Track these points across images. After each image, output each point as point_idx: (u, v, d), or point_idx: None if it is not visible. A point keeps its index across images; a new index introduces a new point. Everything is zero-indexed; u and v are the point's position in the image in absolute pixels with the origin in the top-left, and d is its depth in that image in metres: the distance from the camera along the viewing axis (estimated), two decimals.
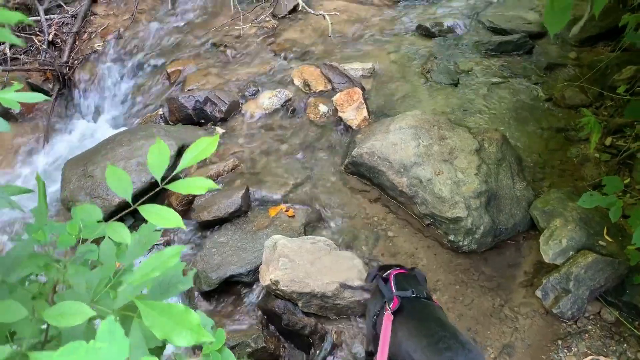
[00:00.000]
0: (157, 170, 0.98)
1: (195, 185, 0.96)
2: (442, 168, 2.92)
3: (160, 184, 0.99)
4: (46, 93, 3.93)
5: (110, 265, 0.97)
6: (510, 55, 4.13)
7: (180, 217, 0.95)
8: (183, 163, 1.00)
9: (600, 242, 2.61)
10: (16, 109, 1.07)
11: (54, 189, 3.25)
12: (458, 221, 2.72)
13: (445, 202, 2.78)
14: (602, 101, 3.61)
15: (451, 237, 2.77)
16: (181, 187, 0.96)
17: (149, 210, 0.93)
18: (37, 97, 1.23)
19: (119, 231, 0.92)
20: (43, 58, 4.01)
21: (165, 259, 0.85)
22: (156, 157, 1.00)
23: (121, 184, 0.96)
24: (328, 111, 3.64)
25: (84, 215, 0.99)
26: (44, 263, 1.04)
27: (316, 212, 3.01)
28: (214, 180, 3.15)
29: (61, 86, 3.95)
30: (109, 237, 0.95)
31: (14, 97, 1.16)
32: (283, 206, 3.01)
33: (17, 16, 0.62)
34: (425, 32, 4.44)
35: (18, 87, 1.20)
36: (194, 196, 3.06)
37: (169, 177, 1.03)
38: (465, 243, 2.73)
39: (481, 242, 2.74)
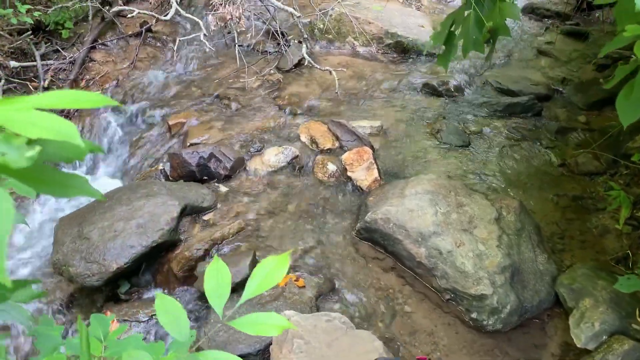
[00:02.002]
0: (217, 301, 0.80)
1: (267, 324, 0.78)
2: (462, 239, 2.77)
3: (221, 317, 0.82)
4: None
5: None
6: (519, 117, 4.08)
7: None
8: (247, 292, 0.82)
9: (634, 326, 2.46)
10: (33, 198, 0.89)
11: (45, 249, 3.02)
12: (483, 299, 2.55)
13: (468, 277, 2.61)
14: (616, 169, 3.54)
15: (474, 315, 2.59)
16: (249, 327, 0.78)
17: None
18: None
19: None
20: None
21: None
22: (215, 283, 0.82)
23: (175, 321, 0.78)
24: (337, 170, 3.49)
25: None
26: None
27: (328, 282, 2.82)
28: (218, 244, 2.96)
29: None
30: None
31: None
32: (292, 275, 2.81)
33: (88, 146, 0.46)
34: (431, 91, 4.38)
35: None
36: (197, 262, 2.86)
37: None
38: (490, 322, 2.56)
39: (507, 321, 2.57)
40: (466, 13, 1.94)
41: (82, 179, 0.46)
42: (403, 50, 4.87)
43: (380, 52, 4.86)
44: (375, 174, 3.42)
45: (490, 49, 2.08)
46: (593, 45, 4.96)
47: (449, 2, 5.98)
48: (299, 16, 4.42)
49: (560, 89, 4.40)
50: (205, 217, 3.15)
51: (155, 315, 2.68)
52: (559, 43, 5.06)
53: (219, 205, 3.25)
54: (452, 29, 2.07)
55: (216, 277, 0.82)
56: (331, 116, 3.97)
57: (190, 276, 2.84)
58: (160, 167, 3.51)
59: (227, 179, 3.45)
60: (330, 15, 4.74)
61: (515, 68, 4.68)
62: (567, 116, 4.08)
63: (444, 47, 2.12)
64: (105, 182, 3.59)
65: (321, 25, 4.77)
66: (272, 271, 0.83)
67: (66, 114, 3.83)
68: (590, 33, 5.12)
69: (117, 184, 3.54)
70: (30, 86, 3.97)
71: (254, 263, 2.81)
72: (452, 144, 3.76)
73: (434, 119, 4.02)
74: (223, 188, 3.37)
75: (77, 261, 2.72)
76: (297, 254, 2.96)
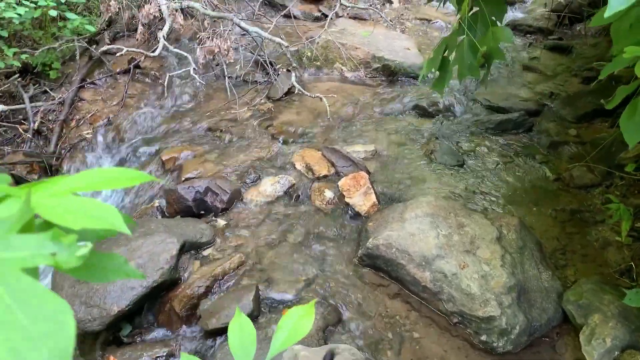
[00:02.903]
0: (243, 358, 0.78)
1: None
2: (466, 260, 2.75)
3: None
4: None
5: None
6: (511, 133, 4.11)
7: None
8: (275, 346, 0.80)
9: None
10: None
11: None
12: (491, 320, 2.53)
13: (475, 299, 2.59)
14: (611, 180, 3.56)
15: (483, 338, 2.57)
16: None
17: None
18: None
19: None
20: (28, 148, 3.79)
21: None
22: (239, 339, 0.79)
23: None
24: (334, 197, 3.48)
25: None
26: None
27: (333, 312, 2.77)
28: (219, 279, 2.92)
29: (48, 177, 3.71)
30: None
31: None
32: None
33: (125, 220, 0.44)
34: (422, 112, 4.41)
35: None
36: (199, 300, 2.81)
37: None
38: (500, 344, 2.53)
39: (517, 342, 2.54)
40: (459, 39, 1.97)
41: (121, 259, 0.44)
42: (391, 73, 4.92)
43: (368, 76, 4.90)
44: (373, 198, 3.41)
45: (485, 73, 2.10)
46: (577, 58, 5.04)
47: (432, 23, 6.06)
48: (287, 46, 4.45)
49: (549, 104, 4.44)
50: (205, 253, 3.11)
51: (159, 357, 2.63)
52: (543, 58, 5.13)
53: (217, 240, 3.21)
54: (445, 54, 2.09)
55: (240, 333, 0.80)
56: (325, 142, 3.98)
57: (193, 314, 2.79)
58: (156, 204, 3.48)
59: (224, 212, 3.42)
60: (317, 43, 4.78)
61: (503, 85, 4.72)
62: (558, 130, 4.11)
63: (438, 72, 2.14)
64: None
65: (309, 53, 4.81)
66: (298, 322, 0.80)
67: (58, 155, 3.80)
68: (574, 47, 5.21)
69: None
70: (19, 129, 3.93)
71: (257, 298, 2.77)
72: (447, 163, 3.77)
73: (426, 139, 4.04)
74: (221, 222, 3.34)
75: (77, 306, 2.66)
76: (300, 285, 2.92)
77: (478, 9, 1.94)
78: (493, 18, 1.91)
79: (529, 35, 5.72)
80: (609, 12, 0.83)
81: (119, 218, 0.38)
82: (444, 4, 2.53)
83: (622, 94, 1.54)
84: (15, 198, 0.36)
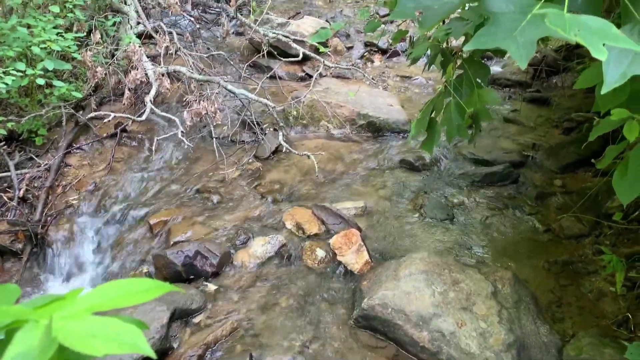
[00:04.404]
0: None
1: None
2: (463, 318, 2.71)
3: None
4: (16, 254, 3.60)
5: None
6: (497, 186, 4.15)
7: None
8: None
9: None
10: None
11: None
12: None
13: (475, 358, 2.54)
14: (600, 230, 3.59)
15: None
16: None
17: None
18: None
19: None
20: (13, 216, 3.72)
21: None
22: None
23: None
24: (326, 256, 3.45)
25: None
26: None
27: None
28: (212, 347, 2.83)
29: (33, 246, 3.63)
30: None
31: None
32: None
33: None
34: (409, 166, 4.45)
35: None
36: None
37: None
38: None
39: None
40: (446, 100, 2.02)
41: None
42: (376, 129, 5.00)
43: (354, 133, 4.97)
44: (366, 256, 3.38)
45: (473, 133, 2.14)
46: (556, 109, 5.18)
47: (412, 80, 6.23)
48: (274, 107, 4.52)
49: (533, 155, 4.52)
50: (196, 320, 3.02)
51: None
52: (523, 110, 5.27)
53: (208, 306, 3.13)
54: (432, 115, 2.13)
55: None
56: (314, 200, 3.97)
57: None
58: (145, 269, 3.40)
59: (214, 276, 3.35)
60: (303, 102, 4.87)
61: (486, 138, 4.81)
62: (544, 181, 4.17)
63: (426, 133, 2.18)
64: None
65: (295, 112, 4.88)
66: None
67: (43, 223, 3.73)
68: (552, 98, 5.37)
69: None
70: (4, 197, 3.87)
71: None
72: (437, 218, 3.78)
73: (415, 194, 4.06)
74: (211, 286, 3.27)
75: None
76: (295, 351, 2.84)
77: (463, 71, 2.01)
78: (478, 80, 1.98)
79: (507, 88, 5.89)
80: (605, 89, 0.86)
81: (143, 341, 0.36)
82: (429, 68, 2.61)
83: (611, 154, 1.57)
84: (32, 323, 0.34)
